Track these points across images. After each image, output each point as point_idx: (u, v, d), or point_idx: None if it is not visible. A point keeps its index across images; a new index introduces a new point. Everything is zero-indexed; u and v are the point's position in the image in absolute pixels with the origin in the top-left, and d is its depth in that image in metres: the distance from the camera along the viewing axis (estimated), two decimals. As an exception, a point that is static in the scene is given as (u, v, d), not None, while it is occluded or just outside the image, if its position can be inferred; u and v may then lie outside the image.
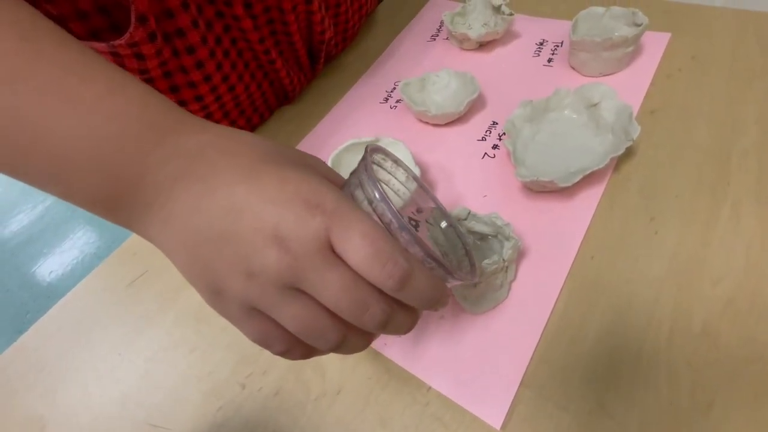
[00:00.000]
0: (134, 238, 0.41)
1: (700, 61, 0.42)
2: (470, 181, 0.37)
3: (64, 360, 0.34)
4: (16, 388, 0.33)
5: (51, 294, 1.34)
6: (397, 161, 0.25)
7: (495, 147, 0.39)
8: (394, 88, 0.48)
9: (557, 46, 0.47)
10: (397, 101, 0.46)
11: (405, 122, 0.44)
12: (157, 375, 0.32)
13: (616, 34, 0.42)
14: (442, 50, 0.50)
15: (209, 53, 0.37)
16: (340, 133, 0.44)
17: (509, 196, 0.35)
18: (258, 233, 0.17)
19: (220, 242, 0.17)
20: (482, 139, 0.40)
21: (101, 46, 0.31)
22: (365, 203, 0.18)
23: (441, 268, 0.18)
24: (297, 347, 0.19)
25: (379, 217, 0.18)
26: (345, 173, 0.27)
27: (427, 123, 0.43)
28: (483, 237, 0.31)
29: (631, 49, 0.40)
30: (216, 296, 0.18)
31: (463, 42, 0.48)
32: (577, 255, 0.31)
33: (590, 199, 0.33)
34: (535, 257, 0.31)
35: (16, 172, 0.19)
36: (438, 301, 0.18)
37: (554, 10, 0.51)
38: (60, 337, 0.35)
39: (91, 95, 0.18)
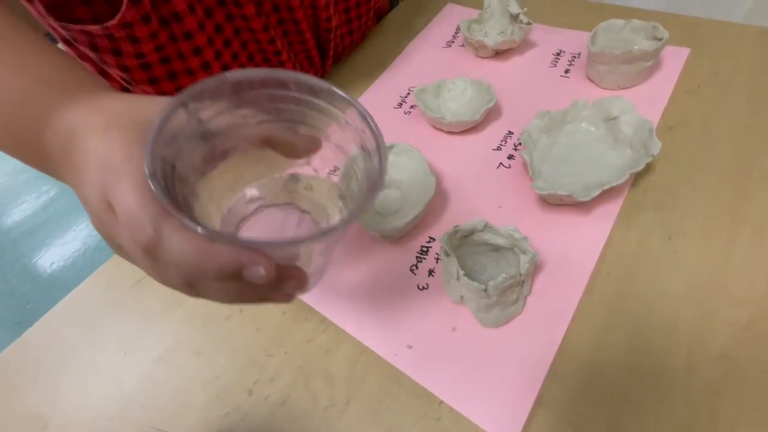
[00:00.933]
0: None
1: (720, 78, 0.41)
2: (484, 191, 0.37)
3: (68, 358, 0.33)
4: (17, 385, 0.32)
5: (52, 286, 1.34)
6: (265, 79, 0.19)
7: (510, 157, 0.39)
8: (408, 94, 0.47)
9: (574, 57, 0.46)
10: (411, 107, 0.46)
11: (419, 128, 0.43)
12: (161, 377, 0.31)
13: (635, 47, 0.42)
14: (457, 57, 0.50)
15: (207, 40, 0.36)
16: (353, 137, 0.44)
17: (524, 207, 0.35)
18: (90, 201, 0.18)
19: (87, 208, 0.18)
20: (497, 149, 0.40)
21: (95, 28, 0.31)
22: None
23: (225, 238, 0.16)
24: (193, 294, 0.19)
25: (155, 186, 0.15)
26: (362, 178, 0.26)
27: (441, 130, 0.42)
28: (498, 248, 0.31)
29: (651, 63, 0.40)
30: (125, 256, 0.19)
31: (479, 49, 0.48)
32: (593, 271, 0.30)
33: (607, 214, 0.33)
34: (551, 271, 0.31)
35: None
36: (228, 267, 0.16)
37: (572, 20, 0.51)
38: (64, 335, 0.35)
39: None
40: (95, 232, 1.46)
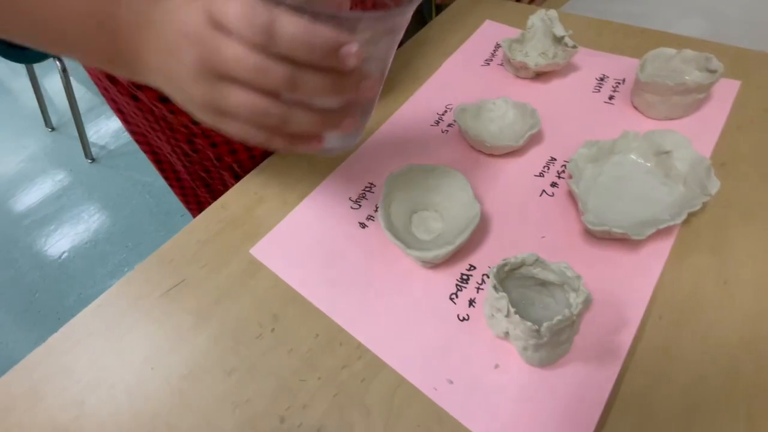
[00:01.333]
0: (171, 244, 0.39)
1: (772, 113, 0.40)
2: (527, 220, 0.35)
3: (94, 368, 0.32)
4: (42, 394, 0.32)
5: (61, 276, 1.34)
6: None
7: (554, 185, 0.38)
8: (446, 111, 0.46)
9: (618, 83, 0.45)
10: (449, 125, 0.45)
11: (457, 148, 0.42)
12: (190, 396, 0.30)
13: (687, 78, 0.41)
14: (496, 76, 0.49)
15: None
16: (391, 153, 0.43)
17: (570, 239, 0.34)
18: (178, 38, 0.20)
19: (170, 61, 0.21)
20: (540, 175, 0.38)
21: None
22: None
23: (325, 15, 0.18)
24: (265, 133, 0.21)
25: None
26: (401, 196, 0.32)
27: (480, 152, 0.41)
28: (544, 283, 0.30)
29: (703, 96, 0.39)
30: (198, 108, 0.22)
31: (519, 70, 0.47)
32: (644, 314, 0.29)
33: (658, 253, 0.32)
34: (599, 310, 0.30)
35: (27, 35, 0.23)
36: (330, 44, 0.18)
37: (615, 45, 0.50)
38: (90, 343, 0.34)
39: None
40: (106, 225, 1.46)
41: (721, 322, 0.28)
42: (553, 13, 0.47)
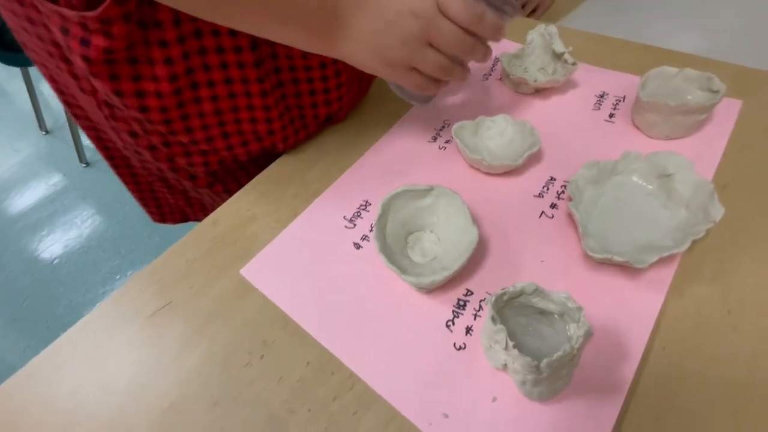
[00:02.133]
0: (159, 262, 0.38)
1: (774, 134, 0.39)
2: (526, 242, 0.35)
3: (75, 396, 0.31)
4: (19, 424, 0.30)
5: (52, 282, 1.32)
6: None
7: (553, 206, 0.37)
8: (443, 127, 0.45)
9: (619, 101, 0.45)
10: (446, 141, 0.44)
11: (455, 166, 0.41)
12: (172, 429, 0.29)
13: (689, 97, 0.40)
14: (494, 91, 0.48)
15: (183, 54, 0.34)
16: (387, 169, 0.42)
17: (569, 263, 0.33)
18: (401, 15, 0.29)
19: (384, 30, 0.30)
20: (539, 196, 0.38)
21: (71, 14, 0.30)
22: None
23: (496, 5, 0.31)
24: (430, 81, 0.34)
25: None
26: (397, 217, 0.34)
27: (478, 170, 0.40)
28: (544, 312, 0.29)
29: (705, 116, 0.38)
30: (389, 68, 0.32)
31: (518, 85, 0.46)
32: (647, 344, 0.28)
33: (660, 280, 0.31)
34: (601, 341, 0.29)
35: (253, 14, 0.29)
36: (502, 29, 0.32)
37: (614, 61, 0.49)
38: (71, 368, 0.33)
39: None
40: (99, 230, 1.44)
41: (725, 353, 0.28)
42: (552, 28, 0.46)
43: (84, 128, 0.47)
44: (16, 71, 1.55)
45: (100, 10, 0.29)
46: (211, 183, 0.48)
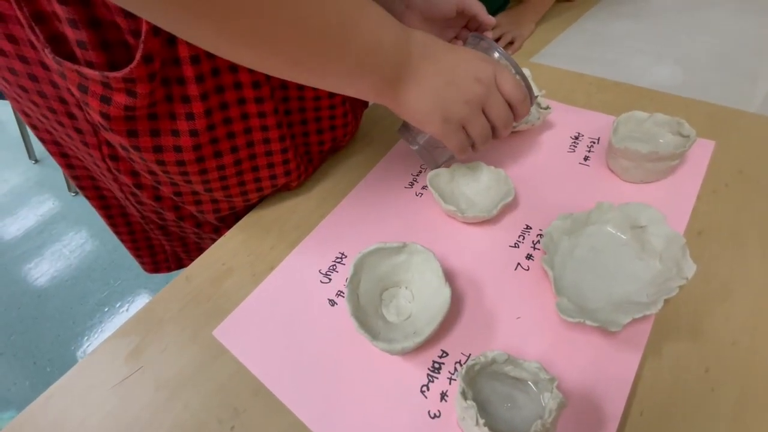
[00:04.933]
0: (132, 321, 0.37)
1: (747, 175, 0.39)
2: (502, 298, 0.34)
3: (37, 476, 0.30)
4: None
5: (39, 315, 1.29)
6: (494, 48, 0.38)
7: (529, 257, 0.36)
8: (420, 172, 0.45)
9: (594, 142, 0.45)
10: (423, 187, 0.44)
11: (431, 214, 0.41)
12: None
13: (661, 141, 0.40)
14: (471, 133, 0.48)
15: (204, 111, 0.34)
16: (364, 218, 0.42)
17: (545, 320, 0.32)
18: (467, 77, 0.32)
19: (449, 86, 0.32)
20: (515, 246, 0.37)
21: (93, 74, 0.29)
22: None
23: (530, 94, 0.36)
24: (467, 149, 0.36)
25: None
26: (370, 275, 0.34)
27: (454, 218, 0.40)
28: (518, 379, 0.28)
29: (677, 162, 0.38)
30: (445, 123, 0.33)
31: (494, 128, 0.47)
32: (624, 409, 0.28)
33: (636, 338, 0.30)
34: (577, 406, 0.28)
35: (341, 51, 0.27)
36: (527, 110, 0.36)
37: (589, 99, 0.50)
38: (36, 443, 0.31)
39: (374, 11, 0.28)
40: (88, 261, 1.42)
41: (703, 418, 0.27)
42: (526, 71, 0.47)
43: (79, 180, 0.46)
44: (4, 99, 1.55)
45: (126, 70, 0.29)
46: (217, 228, 0.48)
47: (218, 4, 0.21)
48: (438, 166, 0.42)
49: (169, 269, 0.60)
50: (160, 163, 0.36)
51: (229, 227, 0.47)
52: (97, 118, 0.33)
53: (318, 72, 0.28)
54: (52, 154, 0.44)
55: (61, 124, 0.37)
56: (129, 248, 0.56)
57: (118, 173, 0.40)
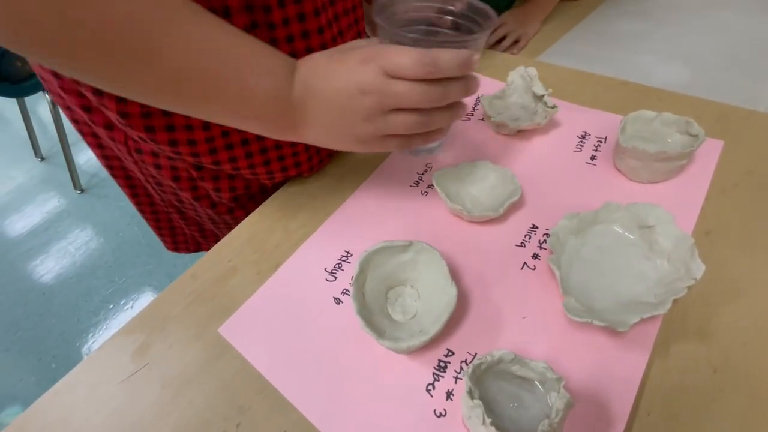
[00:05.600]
0: (137, 319, 0.37)
1: (757, 175, 0.39)
2: (508, 297, 0.34)
3: (44, 471, 0.30)
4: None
5: (45, 313, 1.30)
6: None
7: (535, 256, 0.36)
8: (425, 171, 0.45)
9: (600, 141, 0.45)
10: (428, 186, 0.44)
11: (437, 213, 0.41)
12: (145, 506, 0.28)
13: (669, 140, 0.40)
14: (476, 132, 0.48)
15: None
16: (369, 217, 0.42)
17: (551, 319, 0.32)
18: (352, 96, 0.28)
19: (342, 117, 0.29)
20: (521, 245, 0.37)
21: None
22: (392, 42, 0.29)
23: (449, 41, 0.30)
24: (413, 138, 0.31)
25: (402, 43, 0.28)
26: (375, 274, 0.34)
27: (460, 217, 0.40)
28: (525, 378, 0.28)
29: (685, 161, 0.38)
30: (362, 144, 0.31)
31: (500, 127, 0.47)
32: (632, 410, 0.27)
33: (644, 338, 0.30)
34: (583, 406, 0.28)
35: (209, 104, 0.28)
36: (468, 61, 0.28)
37: (596, 98, 0.50)
38: (42, 439, 0.32)
39: (252, 52, 0.28)
40: (93, 258, 1.43)
41: (712, 418, 0.27)
42: (532, 71, 0.46)
43: (108, 160, 0.48)
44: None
45: None
46: (232, 209, 0.49)
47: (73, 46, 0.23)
48: (431, 151, 0.40)
49: (188, 250, 0.62)
50: (177, 153, 0.38)
51: (243, 208, 0.49)
52: (114, 117, 0.35)
53: (204, 114, 0.30)
54: (87, 135, 0.46)
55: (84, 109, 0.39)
56: (152, 227, 0.58)
57: (138, 155, 0.41)
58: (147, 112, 0.35)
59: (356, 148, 0.31)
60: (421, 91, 0.27)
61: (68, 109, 0.42)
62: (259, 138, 0.39)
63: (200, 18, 0.26)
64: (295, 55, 0.35)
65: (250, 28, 0.33)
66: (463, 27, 0.33)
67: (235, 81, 0.27)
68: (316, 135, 0.31)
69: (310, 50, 0.35)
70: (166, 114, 0.36)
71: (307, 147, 0.43)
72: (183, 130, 0.37)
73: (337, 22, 0.38)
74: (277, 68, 0.29)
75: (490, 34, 0.66)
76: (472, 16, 0.32)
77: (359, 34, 0.43)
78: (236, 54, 0.27)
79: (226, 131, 0.38)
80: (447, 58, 0.27)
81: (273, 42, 0.35)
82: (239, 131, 0.38)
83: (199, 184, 0.45)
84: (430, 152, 0.39)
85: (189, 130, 0.37)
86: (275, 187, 0.47)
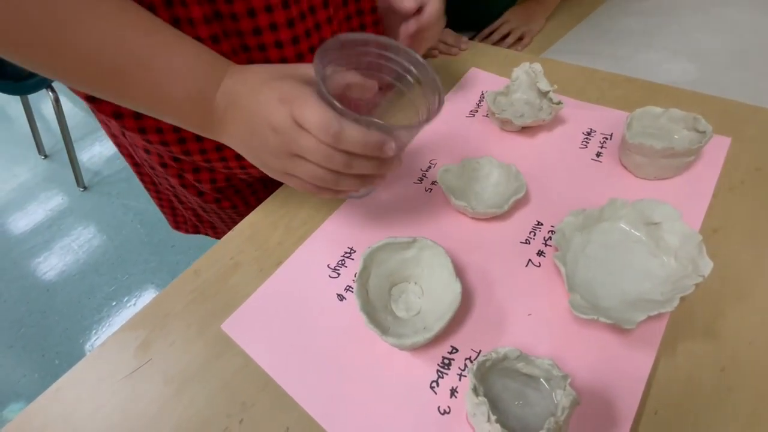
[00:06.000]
0: (140, 315, 0.37)
1: (765, 172, 0.39)
2: (513, 294, 0.34)
3: (47, 466, 0.30)
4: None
5: (48, 310, 1.31)
6: (366, 41, 0.30)
7: (540, 253, 0.36)
8: (429, 167, 0.45)
9: (606, 138, 0.44)
10: (432, 183, 0.43)
11: (441, 209, 0.41)
12: (147, 502, 0.28)
13: (675, 137, 0.39)
14: (481, 129, 0.48)
15: None
16: (372, 214, 0.41)
17: (557, 316, 0.32)
18: (263, 127, 0.27)
19: (252, 139, 0.29)
20: (526, 242, 0.37)
21: None
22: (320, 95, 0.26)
23: (375, 126, 0.27)
24: (320, 189, 0.30)
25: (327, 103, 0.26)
26: (379, 270, 0.33)
27: (464, 214, 0.40)
28: (530, 375, 0.28)
29: (692, 158, 0.37)
30: (268, 170, 0.30)
31: (504, 124, 0.46)
32: (638, 408, 0.27)
33: (650, 336, 0.30)
34: (589, 405, 0.28)
35: (122, 96, 0.29)
36: (377, 146, 0.27)
37: (601, 95, 0.49)
38: (45, 434, 0.32)
39: (173, 50, 0.28)
40: (96, 255, 1.44)
41: (719, 417, 0.26)
42: (537, 66, 0.46)
43: (116, 138, 0.49)
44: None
45: None
46: (218, 199, 0.49)
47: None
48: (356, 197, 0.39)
49: (187, 231, 0.62)
50: (147, 141, 0.39)
51: (229, 200, 0.49)
52: (84, 100, 0.36)
53: (128, 106, 0.31)
54: (99, 120, 0.47)
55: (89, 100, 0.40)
56: (156, 204, 0.59)
57: (131, 139, 0.42)
58: (117, 113, 0.36)
59: (267, 172, 0.31)
60: (324, 154, 0.26)
61: None
62: None
63: (123, 14, 0.27)
64: (264, 48, 0.36)
65: (213, 18, 0.33)
66: (404, 81, 0.31)
67: (145, 78, 0.28)
68: (235, 143, 0.31)
69: (279, 44, 0.36)
70: (138, 117, 0.36)
71: None
72: (151, 118, 0.37)
73: (313, 15, 0.37)
74: (200, 69, 0.29)
75: (492, 33, 0.66)
76: (414, 77, 0.31)
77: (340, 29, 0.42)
78: (150, 52, 0.27)
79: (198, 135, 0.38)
80: (354, 136, 0.26)
81: (239, 34, 0.35)
82: None
83: (183, 173, 0.45)
84: (358, 197, 0.39)
85: (159, 133, 0.37)
86: (266, 184, 0.47)
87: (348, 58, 0.29)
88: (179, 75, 0.28)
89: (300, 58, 0.38)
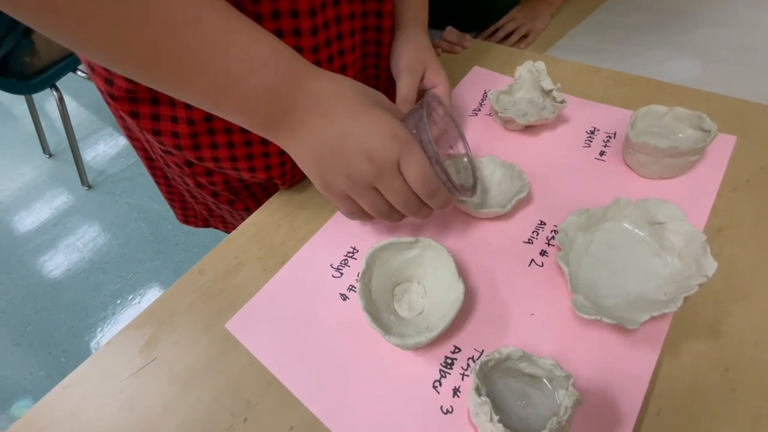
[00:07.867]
0: (145, 314, 0.38)
1: (770, 172, 0.38)
2: (516, 294, 0.34)
3: (54, 463, 0.30)
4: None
5: (54, 306, 1.32)
6: (446, 112, 0.34)
7: (543, 253, 0.36)
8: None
9: (609, 137, 0.44)
10: (435, 182, 0.43)
11: (444, 210, 0.41)
12: (153, 499, 0.28)
13: (680, 135, 0.39)
14: (484, 128, 0.48)
15: None
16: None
17: (559, 317, 0.32)
18: (358, 152, 0.27)
19: (334, 155, 0.28)
20: (529, 242, 0.37)
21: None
22: (418, 140, 0.29)
23: (453, 188, 0.31)
24: (363, 213, 0.32)
25: (425, 151, 0.29)
26: (382, 269, 0.34)
27: (467, 214, 0.40)
28: (533, 375, 0.28)
29: (697, 157, 0.37)
30: (326, 188, 0.30)
31: (507, 122, 0.46)
32: (641, 409, 0.27)
33: (653, 336, 0.30)
34: (592, 405, 0.28)
35: (187, 82, 0.26)
36: (447, 206, 0.31)
37: (605, 93, 0.49)
38: (53, 432, 0.32)
39: (244, 52, 0.26)
40: (101, 254, 1.45)
41: (723, 418, 0.26)
42: (540, 65, 0.46)
43: (129, 130, 0.48)
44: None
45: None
46: (232, 201, 0.49)
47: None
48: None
49: (197, 225, 0.62)
50: (161, 143, 0.39)
51: (245, 204, 0.49)
52: (105, 98, 0.37)
53: (183, 95, 0.28)
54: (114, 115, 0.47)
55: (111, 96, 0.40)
56: (166, 199, 0.59)
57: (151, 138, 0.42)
58: (133, 98, 0.35)
59: (319, 185, 0.30)
60: (407, 198, 0.29)
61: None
62: (246, 143, 0.39)
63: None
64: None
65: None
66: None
67: (219, 63, 0.25)
68: (300, 149, 0.29)
69: (299, 50, 0.34)
70: (153, 102, 0.35)
71: (281, 152, 0.42)
72: (169, 122, 0.37)
73: (338, 25, 0.37)
74: (281, 62, 0.27)
75: (497, 30, 0.66)
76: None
77: (353, 47, 0.40)
78: (227, 38, 0.25)
79: (212, 129, 0.38)
80: (442, 197, 0.30)
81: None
82: (227, 132, 0.38)
83: (197, 176, 0.45)
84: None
85: (174, 122, 0.37)
86: (278, 187, 0.47)
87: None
88: (256, 64, 0.26)
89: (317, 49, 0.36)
